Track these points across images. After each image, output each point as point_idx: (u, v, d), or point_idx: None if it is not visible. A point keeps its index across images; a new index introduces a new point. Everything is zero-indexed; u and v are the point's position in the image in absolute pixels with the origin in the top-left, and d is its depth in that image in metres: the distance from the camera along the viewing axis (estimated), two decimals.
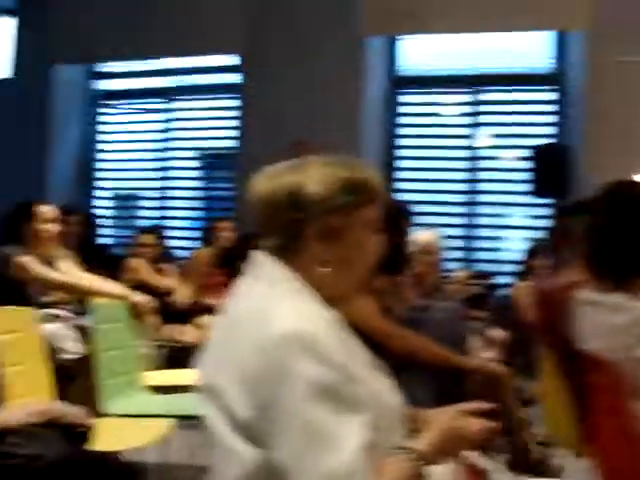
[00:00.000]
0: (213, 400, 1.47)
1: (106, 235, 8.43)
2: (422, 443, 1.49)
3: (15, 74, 8.46)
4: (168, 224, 8.21)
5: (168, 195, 8.50)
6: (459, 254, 7.29)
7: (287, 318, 1.42)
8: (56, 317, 3.97)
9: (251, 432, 1.40)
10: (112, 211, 9.05)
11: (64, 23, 8.01)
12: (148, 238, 5.88)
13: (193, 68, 8.28)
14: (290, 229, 1.53)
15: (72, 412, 2.05)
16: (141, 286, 5.07)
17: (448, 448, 1.55)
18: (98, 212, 8.39)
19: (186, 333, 5.49)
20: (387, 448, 1.45)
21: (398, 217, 3.19)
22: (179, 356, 5.43)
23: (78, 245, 6.14)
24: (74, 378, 4.00)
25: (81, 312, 4.32)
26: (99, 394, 3.35)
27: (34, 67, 8.18)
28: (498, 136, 7.38)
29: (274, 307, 1.45)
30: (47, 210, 4.02)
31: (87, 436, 2.05)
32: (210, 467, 1.53)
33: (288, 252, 1.54)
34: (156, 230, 6.39)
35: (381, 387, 1.57)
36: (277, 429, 1.36)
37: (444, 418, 1.59)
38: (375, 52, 7.28)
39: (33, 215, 3.97)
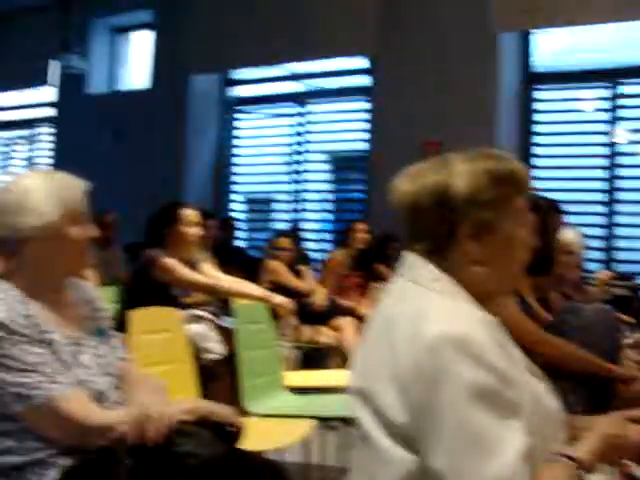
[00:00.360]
0: (366, 403, 1.45)
1: (241, 238, 8.60)
2: (582, 450, 1.42)
3: (153, 84, 8.77)
4: (301, 226, 8.28)
5: (301, 198, 8.58)
6: (599, 254, 7.01)
7: (442, 319, 1.38)
8: (199, 318, 4.06)
9: (406, 436, 1.37)
10: (246, 214, 9.25)
11: (199, 34, 8.24)
12: (285, 241, 5.96)
13: (323, 72, 8.33)
14: (440, 229, 1.50)
15: (221, 411, 2.07)
16: (279, 288, 5.15)
17: (608, 456, 1.48)
18: (233, 215, 8.59)
19: (323, 334, 5.54)
20: (546, 454, 1.40)
21: (548, 214, 3.06)
22: (316, 357, 5.48)
23: (215, 248, 6.30)
24: (216, 378, 4.09)
25: (222, 313, 4.41)
26: (241, 394, 3.40)
27: (171, 77, 8.45)
28: (639, 131, 7.06)
29: (428, 308, 1.42)
30: (190, 213, 4.11)
31: (237, 435, 2.07)
32: (352, 468, 1.52)
33: (439, 252, 1.50)
34: (293, 233, 6.48)
35: (540, 391, 1.51)
36: (433, 433, 1.33)
37: (604, 425, 1.52)
38: (508, 48, 7.09)
39: (177, 218, 4.07)
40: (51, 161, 9.70)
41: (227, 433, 2.05)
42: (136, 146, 8.50)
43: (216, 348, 4.03)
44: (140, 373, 2.22)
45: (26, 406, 1.79)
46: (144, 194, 7.62)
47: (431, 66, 6.99)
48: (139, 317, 2.94)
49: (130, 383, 2.11)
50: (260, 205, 9.63)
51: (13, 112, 10.80)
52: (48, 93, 9.78)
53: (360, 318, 5.76)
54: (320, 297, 5.76)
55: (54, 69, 9.13)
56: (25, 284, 1.94)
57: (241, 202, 9.18)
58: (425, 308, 1.42)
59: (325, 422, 3.62)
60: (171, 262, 3.95)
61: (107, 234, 6.08)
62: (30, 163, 10.53)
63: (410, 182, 1.54)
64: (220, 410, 2.07)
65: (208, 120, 8.67)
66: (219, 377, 4.12)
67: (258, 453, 2.54)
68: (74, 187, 2.01)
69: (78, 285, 2.17)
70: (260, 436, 2.92)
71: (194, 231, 4.11)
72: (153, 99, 8.55)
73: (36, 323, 1.87)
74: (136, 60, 9.51)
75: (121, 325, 2.77)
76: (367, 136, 7.70)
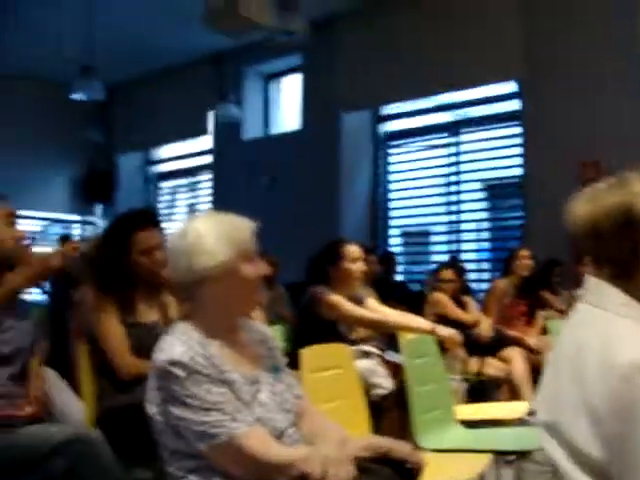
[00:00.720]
0: (555, 435, 1.39)
1: (399, 272, 8.58)
2: None
3: (305, 125, 8.96)
4: (460, 257, 8.17)
5: (458, 228, 8.48)
6: None
7: (634, 347, 1.31)
8: (366, 353, 4.06)
9: (599, 469, 1.31)
10: (403, 248, 9.23)
11: (347, 72, 8.36)
12: (448, 272, 5.89)
13: (473, 100, 8.24)
14: (624, 250, 1.43)
15: (401, 447, 2.05)
16: (444, 320, 5.09)
17: None
18: (392, 249, 8.59)
19: (491, 366, 5.41)
20: None
21: None
22: (484, 389, 5.36)
23: (375, 283, 6.31)
24: (385, 413, 4.07)
25: (387, 347, 4.39)
26: (413, 429, 3.35)
27: (322, 117, 8.61)
28: None
29: (618, 335, 1.35)
30: (354, 250, 4.14)
31: (417, 473, 2.04)
32: None
33: (624, 275, 1.43)
34: (456, 264, 6.40)
35: None
36: (630, 469, 1.25)
37: None
38: None
39: (341, 255, 4.11)
40: (210, 206, 10.10)
41: (406, 470, 2.02)
42: (291, 186, 8.70)
43: (384, 383, 4.01)
44: (316, 411, 2.23)
45: (209, 444, 1.84)
46: (301, 233, 7.77)
47: (581, 86, 6.78)
48: (310, 354, 2.97)
49: (308, 420, 2.13)
50: (417, 238, 9.60)
51: (176, 162, 11.32)
52: (207, 142, 10.19)
53: (528, 348, 5.60)
54: (485, 328, 5.63)
55: (211, 119, 9.52)
56: (203, 325, 2.01)
57: (397, 236, 9.18)
58: (615, 335, 1.36)
59: (500, 456, 3.52)
60: (337, 299, 3.98)
61: (271, 273, 6.23)
62: (192, 210, 10.98)
63: (588, 204, 1.49)
64: (399, 447, 2.05)
65: (361, 156, 8.76)
66: (387, 412, 4.09)
67: None
68: (243, 227, 2.07)
69: (251, 324, 2.22)
70: (436, 472, 2.85)
71: (358, 267, 4.12)
72: (306, 139, 8.74)
73: (216, 363, 1.92)
74: (288, 103, 9.76)
75: (291, 363, 2.80)
76: (521, 161, 7.54)
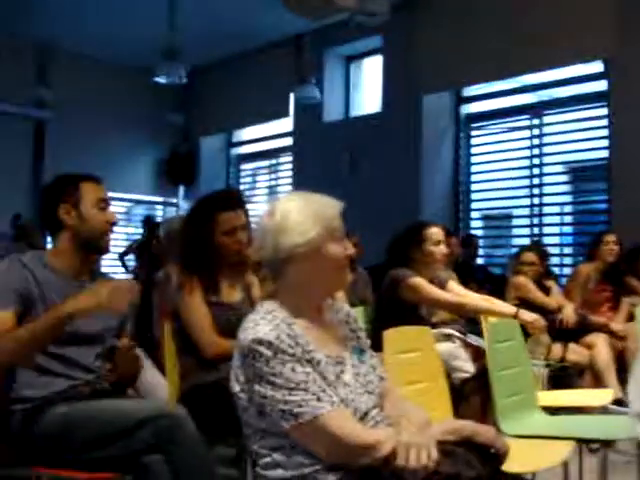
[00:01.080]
0: None
1: (481, 255, 8.48)
2: None
3: (386, 107, 8.90)
4: (542, 241, 8.02)
5: (540, 212, 8.32)
6: None
7: None
8: (448, 336, 4.04)
9: None
10: (484, 231, 9.12)
11: (428, 54, 8.27)
12: (531, 256, 5.79)
13: (556, 81, 8.04)
14: None
15: (485, 432, 2.03)
16: (526, 304, 5.02)
17: None
18: (472, 232, 8.50)
19: (574, 352, 5.31)
20: None
21: None
22: (566, 376, 5.27)
23: (456, 265, 6.26)
24: (466, 397, 4.04)
25: (468, 331, 4.36)
26: (495, 414, 3.32)
27: (403, 98, 8.54)
28: None
29: None
30: (436, 232, 4.12)
31: (502, 458, 2.01)
32: None
33: None
34: (538, 247, 6.28)
35: None
36: None
37: None
38: None
39: (423, 237, 4.09)
40: (290, 188, 10.16)
41: (491, 455, 2.00)
42: (372, 168, 8.67)
43: (466, 367, 3.99)
44: (399, 393, 2.23)
45: (293, 423, 1.85)
46: (382, 216, 7.74)
47: None
48: (392, 336, 2.97)
49: (391, 402, 2.12)
50: (498, 221, 9.46)
51: (256, 144, 11.41)
52: (287, 124, 10.23)
53: (612, 334, 5.48)
54: (569, 313, 5.51)
55: (292, 100, 9.55)
56: (290, 304, 2.02)
57: (479, 219, 9.07)
58: None
59: (584, 444, 3.45)
60: (419, 281, 3.97)
61: (354, 255, 6.19)
62: (272, 192, 11.07)
63: None
64: (483, 431, 2.03)
65: (442, 138, 8.66)
66: (469, 396, 4.07)
67: (518, 475, 2.46)
68: (331, 207, 2.07)
69: (336, 305, 2.22)
70: (518, 458, 2.82)
71: (440, 250, 4.11)
72: (386, 121, 8.68)
73: (301, 342, 1.93)
74: (368, 85, 9.71)
75: (372, 345, 2.80)
76: (607, 143, 7.32)
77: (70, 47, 9.87)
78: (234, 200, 3.23)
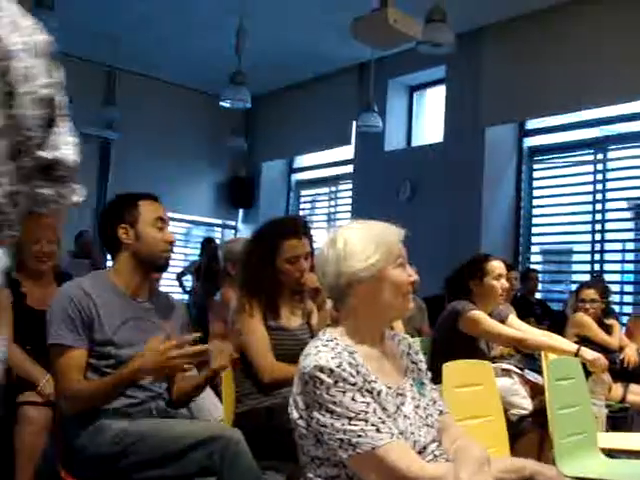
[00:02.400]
0: None
1: (539, 290, 8.35)
2: None
3: (447, 138, 8.86)
4: (604, 278, 7.86)
5: (602, 248, 8.17)
6: None
7: None
8: (505, 371, 3.98)
9: None
10: (545, 265, 8.99)
11: (491, 86, 8.24)
12: (592, 293, 5.68)
13: (621, 115, 7.91)
14: None
15: (545, 471, 1.98)
16: (587, 342, 4.92)
17: None
18: (532, 267, 8.39)
19: (635, 393, 5.18)
20: None
21: None
22: (627, 417, 5.14)
23: (514, 299, 6.17)
24: (521, 435, 3.96)
25: (525, 367, 4.29)
26: (554, 453, 3.25)
27: (465, 130, 8.50)
28: None
29: None
30: (499, 266, 4.08)
31: None
32: None
33: None
34: (599, 284, 6.16)
35: None
36: None
37: None
38: None
39: (485, 271, 4.06)
40: (349, 216, 10.15)
41: None
42: (431, 199, 8.63)
43: (524, 403, 3.92)
44: (459, 428, 2.19)
45: (351, 453, 1.83)
46: (440, 247, 7.69)
47: None
48: (452, 370, 2.94)
49: (450, 437, 2.09)
50: (558, 256, 9.32)
51: (317, 171, 11.46)
52: (348, 151, 10.25)
53: None
54: (631, 353, 5.39)
55: (354, 128, 9.57)
56: (351, 332, 2.02)
57: (538, 253, 8.94)
58: None
59: None
60: (480, 314, 3.93)
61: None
62: (330, 219, 11.09)
63: None
64: (544, 470, 1.99)
65: (504, 171, 8.58)
66: (525, 433, 3.99)
67: None
68: (392, 233, 2.07)
69: (396, 336, 2.21)
70: None
71: (501, 284, 4.06)
72: (448, 152, 8.63)
73: (362, 372, 1.91)
74: (431, 115, 9.70)
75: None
76: None
77: (137, 69, 10.11)
78: (300, 228, 3.23)
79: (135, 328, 2.68)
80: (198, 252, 10.24)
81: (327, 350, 1.92)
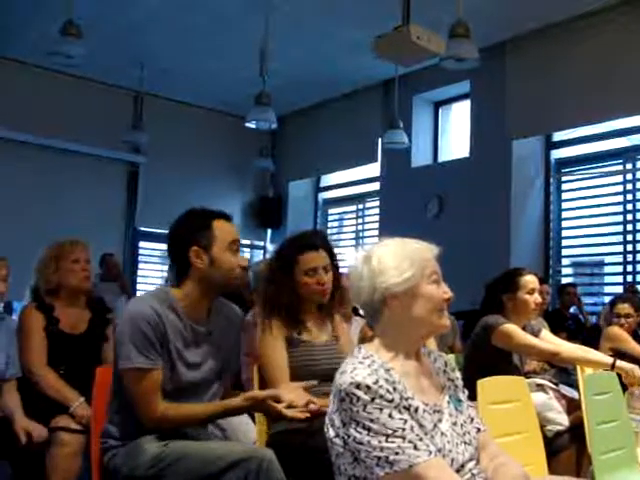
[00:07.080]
0: None
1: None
2: None
3: (474, 152, 8.84)
4: (637, 289, 7.75)
5: (634, 259, 8.07)
6: None
7: None
8: (539, 386, 3.94)
9: None
10: (576, 278, 8.89)
11: (517, 99, 8.21)
12: (625, 308, 5.60)
13: None
14: None
15: None
16: (621, 356, 4.85)
17: None
18: (562, 280, 8.31)
19: None
20: None
21: None
22: None
23: (546, 314, 6.11)
24: (558, 451, 3.91)
25: (559, 381, 4.24)
26: (591, 470, 3.19)
27: (491, 144, 8.47)
28: None
29: None
30: (532, 280, 4.05)
31: None
32: None
33: None
34: (633, 298, 6.08)
35: None
36: None
37: None
38: None
39: (518, 285, 4.02)
40: (377, 233, 10.14)
41: None
42: (460, 214, 8.60)
43: (560, 419, 3.87)
44: (497, 445, 2.17)
45: (388, 471, 1.81)
46: (470, 262, 7.64)
47: None
48: (487, 386, 2.91)
49: (488, 455, 2.07)
50: (589, 268, 9.22)
51: (344, 189, 11.46)
52: (374, 169, 10.25)
53: None
54: None
55: (380, 145, 9.57)
56: (387, 348, 2.02)
57: (569, 265, 8.86)
58: None
59: None
60: (513, 327, 3.90)
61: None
62: (358, 236, 11.08)
63: None
64: None
65: (532, 184, 8.54)
66: (562, 450, 3.94)
67: None
68: (426, 250, 2.07)
69: (432, 354, 2.19)
70: None
71: (534, 298, 4.02)
72: (475, 167, 8.61)
73: (398, 389, 1.90)
74: (457, 130, 9.68)
75: None
76: None
77: (163, 93, 10.21)
78: (316, 240, 3.22)
79: (195, 355, 2.65)
80: None
81: (363, 367, 1.91)
